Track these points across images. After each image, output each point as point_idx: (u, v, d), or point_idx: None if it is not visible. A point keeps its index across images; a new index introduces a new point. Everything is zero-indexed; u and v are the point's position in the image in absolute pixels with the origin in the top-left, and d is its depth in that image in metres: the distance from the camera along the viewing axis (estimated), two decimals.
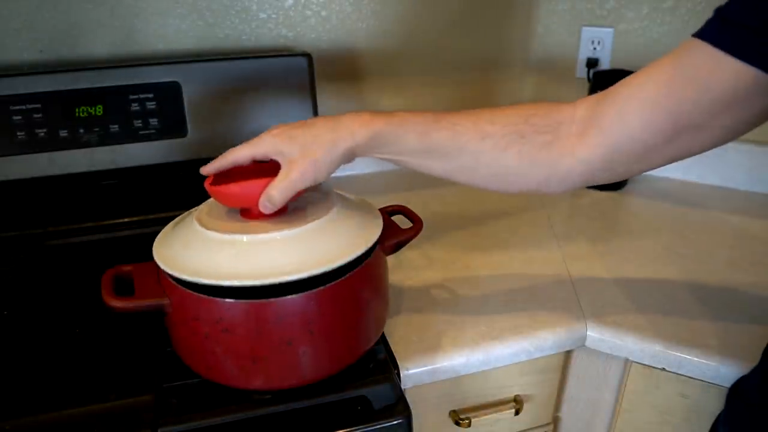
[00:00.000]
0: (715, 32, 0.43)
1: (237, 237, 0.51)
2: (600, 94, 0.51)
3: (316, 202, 0.57)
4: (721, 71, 0.42)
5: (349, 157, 0.53)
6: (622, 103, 0.49)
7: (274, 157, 0.52)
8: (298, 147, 0.52)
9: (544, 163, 0.52)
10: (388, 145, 0.53)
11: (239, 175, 0.54)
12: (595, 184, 0.54)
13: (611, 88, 0.50)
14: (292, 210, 0.56)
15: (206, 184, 0.54)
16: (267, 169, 0.53)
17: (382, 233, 0.59)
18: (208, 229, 0.52)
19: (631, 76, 0.49)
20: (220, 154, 0.54)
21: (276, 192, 0.51)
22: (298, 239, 0.51)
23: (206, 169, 0.55)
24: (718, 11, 0.43)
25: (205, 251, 0.51)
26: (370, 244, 0.53)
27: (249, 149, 0.53)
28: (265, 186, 0.52)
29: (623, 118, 0.48)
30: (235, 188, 0.53)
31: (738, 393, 0.55)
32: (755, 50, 0.41)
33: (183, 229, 0.55)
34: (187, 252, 0.52)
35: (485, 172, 0.54)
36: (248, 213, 0.55)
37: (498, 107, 0.54)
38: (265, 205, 0.52)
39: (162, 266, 0.52)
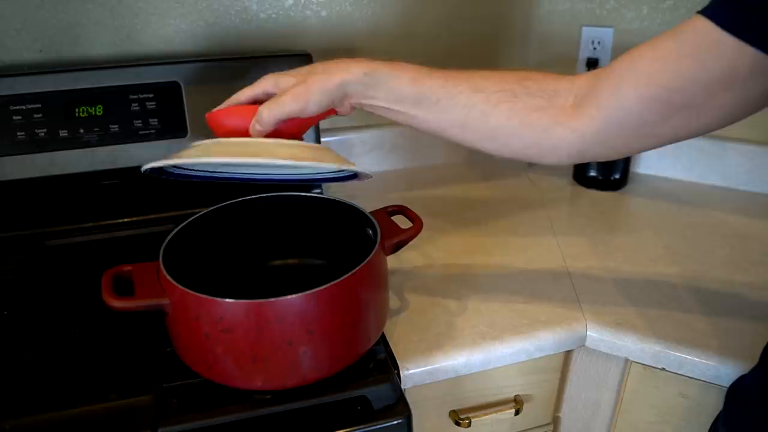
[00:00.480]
0: (718, 10, 0.42)
1: (231, 138, 0.52)
2: (599, 70, 0.51)
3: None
4: (721, 50, 0.42)
5: (341, 91, 0.54)
6: (618, 77, 0.48)
7: (272, 90, 0.54)
8: (294, 78, 0.54)
9: (535, 125, 0.52)
10: (380, 86, 0.54)
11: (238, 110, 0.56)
12: (588, 160, 0.54)
13: (610, 64, 0.50)
14: None
15: (206, 114, 0.55)
16: None
17: (381, 233, 0.59)
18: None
19: (631, 50, 0.48)
20: None
21: (265, 110, 0.52)
22: (290, 144, 0.52)
23: (212, 112, 0.57)
24: None
25: (200, 149, 0.51)
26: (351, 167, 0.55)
27: (248, 89, 0.55)
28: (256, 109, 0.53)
29: (619, 91, 0.48)
30: (228, 110, 0.54)
31: (737, 393, 0.55)
32: (757, 30, 0.40)
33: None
34: (185, 152, 0.52)
35: (475, 128, 0.54)
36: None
37: (496, 69, 0.55)
38: (255, 127, 0.53)
39: (155, 164, 0.52)
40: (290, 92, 0.53)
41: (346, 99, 0.55)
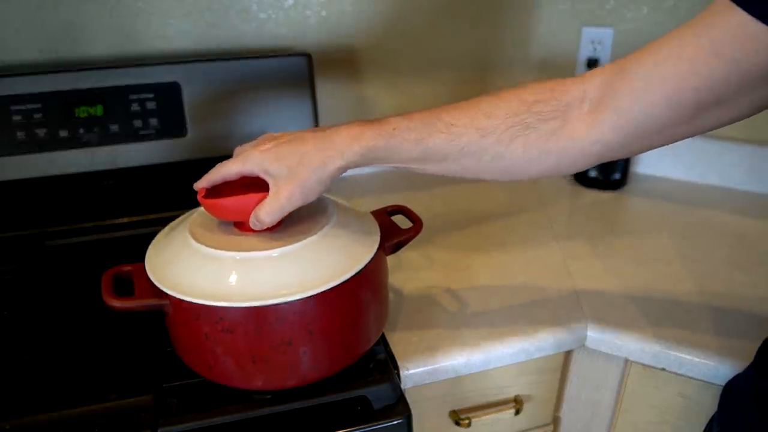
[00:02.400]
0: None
1: (227, 254, 0.50)
2: (613, 69, 0.47)
3: (311, 213, 0.57)
4: (756, 44, 0.38)
5: (338, 175, 0.51)
6: (641, 81, 0.44)
7: (261, 176, 0.51)
8: (285, 168, 0.50)
9: (553, 150, 0.49)
10: (381, 158, 0.51)
11: (232, 186, 0.54)
12: (610, 160, 0.51)
13: (627, 62, 0.46)
14: (287, 221, 0.55)
15: (199, 198, 0.53)
16: (260, 181, 0.53)
17: (381, 234, 0.59)
18: (199, 242, 0.52)
19: (649, 48, 0.44)
20: (220, 154, 0.54)
21: (264, 214, 0.50)
22: (290, 257, 0.51)
23: (198, 184, 0.54)
24: None
25: (195, 265, 0.51)
26: (363, 264, 0.53)
27: (237, 166, 0.52)
28: (256, 202, 0.51)
29: (644, 98, 0.44)
30: (226, 203, 0.52)
31: (731, 392, 0.55)
32: None
33: (176, 238, 0.55)
34: (178, 264, 0.52)
35: (489, 167, 0.51)
36: (241, 225, 0.54)
37: (497, 93, 0.50)
38: (255, 224, 0.52)
39: (150, 276, 0.52)
40: (284, 194, 0.50)
41: (345, 171, 0.52)
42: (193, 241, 0.52)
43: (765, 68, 0.39)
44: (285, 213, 0.51)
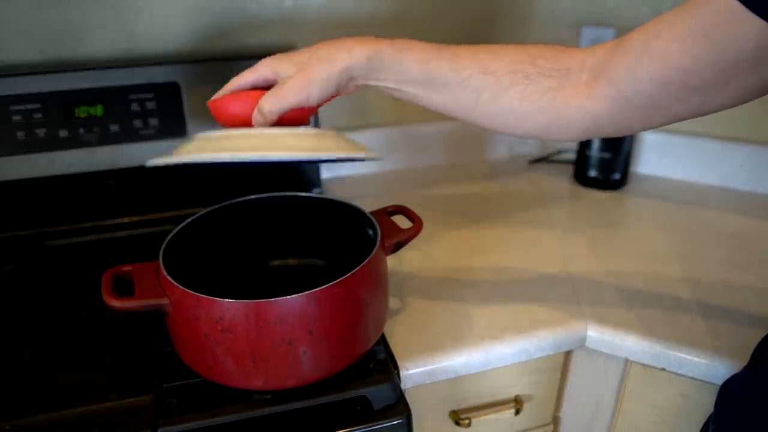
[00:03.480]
0: None
1: (232, 131, 0.50)
2: (615, 42, 0.48)
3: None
4: (743, 30, 0.38)
5: (345, 77, 0.52)
6: (633, 56, 0.46)
7: (272, 77, 0.52)
8: (295, 65, 0.51)
9: (546, 107, 0.50)
10: (386, 70, 0.52)
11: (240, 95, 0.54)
12: (600, 136, 0.52)
13: (626, 37, 0.47)
14: None
15: (208, 102, 0.54)
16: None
17: (382, 233, 0.59)
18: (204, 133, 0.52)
19: (648, 25, 0.46)
20: None
21: (267, 103, 0.50)
22: (292, 134, 0.50)
23: (213, 97, 0.55)
24: None
25: (203, 142, 0.50)
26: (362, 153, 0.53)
27: (251, 71, 0.53)
28: (259, 97, 0.51)
29: (634, 72, 0.45)
30: (230, 99, 0.53)
31: (727, 391, 0.55)
32: None
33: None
34: (188, 146, 0.51)
35: (484, 109, 0.52)
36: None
37: (505, 44, 0.52)
38: (257, 119, 0.51)
39: (164, 161, 0.50)
40: (291, 83, 0.50)
41: (351, 82, 0.53)
42: (198, 135, 0.52)
43: (751, 54, 0.39)
44: (288, 102, 0.51)
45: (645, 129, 0.51)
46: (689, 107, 0.45)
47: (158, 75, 0.83)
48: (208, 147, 0.49)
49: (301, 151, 0.49)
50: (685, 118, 0.47)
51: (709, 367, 0.62)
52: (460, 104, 0.53)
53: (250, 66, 0.55)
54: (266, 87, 0.54)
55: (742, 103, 0.44)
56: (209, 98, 0.56)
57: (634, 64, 0.45)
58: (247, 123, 0.53)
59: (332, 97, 0.54)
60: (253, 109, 0.52)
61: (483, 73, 0.51)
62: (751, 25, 0.38)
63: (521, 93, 0.50)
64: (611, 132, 0.51)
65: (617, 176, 1.02)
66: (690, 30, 0.41)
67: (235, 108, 0.54)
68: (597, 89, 0.48)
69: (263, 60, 0.53)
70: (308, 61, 0.51)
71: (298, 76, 0.51)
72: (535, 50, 0.51)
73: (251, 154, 0.47)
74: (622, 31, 1.03)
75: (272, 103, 0.51)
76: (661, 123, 0.49)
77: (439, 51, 0.52)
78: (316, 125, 0.93)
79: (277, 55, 0.53)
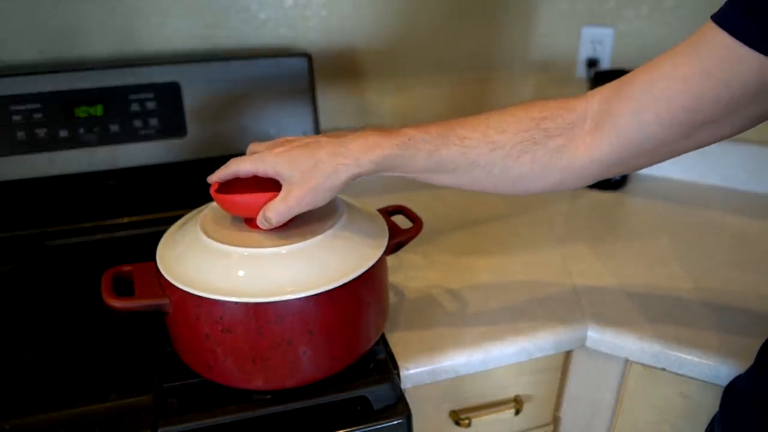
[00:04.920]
0: (737, 20, 0.38)
1: (235, 249, 0.51)
2: (613, 86, 0.49)
3: (321, 212, 0.57)
4: (744, 65, 0.39)
5: (351, 181, 0.52)
6: (637, 101, 0.46)
7: (274, 178, 0.52)
8: (299, 172, 0.50)
9: (557, 166, 0.51)
10: (395, 168, 0.52)
11: (245, 181, 0.54)
12: (609, 177, 0.53)
13: (625, 81, 0.48)
14: (297, 218, 0.55)
15: (212, 191, 0.54)
16: (272, 180, 0.53)
17: None
18: (209, 237, 0.52)
19: (646, 67, 0.46)
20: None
21: (272, 214, 0.51)
22: (298, 255, 0.51)
23: (211, 178, 0.55)
24: None
25: (205, 260, 0.51)
26: (371, 263, 0.53)
27: (251, 165, 0.52)
28: (267, 201, 0.52)
29: (639, 117, 0.46)
30: (237, 199, 0.53)
31: (732, 393, 0.55)
32: None
33: (187, 233, 0.55)
34: (188, 258, 0.52)
35: (496, 181, 0.53)
36: (252, 222, 0.55)
37: (507, 110, 0.52)
38: (263, 223, 0.52)
39: (161, 270, 0.52)
40: (295, 196, 0.50)
41: (357, 178, 0.53)
42: (203, 236, 0.53)
43: (752, 89, 0.40)
44: (293, 215, 0.51)
45: (652, 165, 0.52)
46: (696, 142, 0.46)
47: (158, 75, 0.83)
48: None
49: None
50: (693, 149, 0.48)
51: (710, 367, 0.62)
52: (470, 181, 0.53)
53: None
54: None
55: (746, 130, 0.45)
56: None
57: (639, 109, 0.46)
58: (252, 216, 0.54)
59: None
60: (258, 210, 0.52)
61: (491, 150, 0.51)
62: (751, 60, 0.38)
63: (531, 160, 0.51)
64: (620, 172, 0.53)
65: (617, 176, 1.02)
66: (692, 69, 0.42)
67: (242, 210, 0.54)
68: (602, 137, 0.49)
69: (266, 155, 0.51)
70: (312, 169, 0.50)
71: (302, 187, 0.50)
72: (536, 111, 0.51)
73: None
74: (622, 31, 1.04)
75: (278, 215, 0.51)
76: (668, 158, 0.50)
77: (445, 137, 0.51)
78: (316, 126, 0.93)
79: (279, 151, 0.51)
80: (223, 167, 0.54)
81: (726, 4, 0.40)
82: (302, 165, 0.50)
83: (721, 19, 0.40)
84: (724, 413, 0.54)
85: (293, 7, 0.95)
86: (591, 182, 0.53)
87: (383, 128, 0.52)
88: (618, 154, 0.49)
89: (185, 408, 0.53)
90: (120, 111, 0.83)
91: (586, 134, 0.50)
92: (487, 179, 0.53)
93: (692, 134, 0.45)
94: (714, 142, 0.46)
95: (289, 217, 0.52)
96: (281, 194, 0.51)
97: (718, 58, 0.40)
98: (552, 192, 0.55)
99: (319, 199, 0.51)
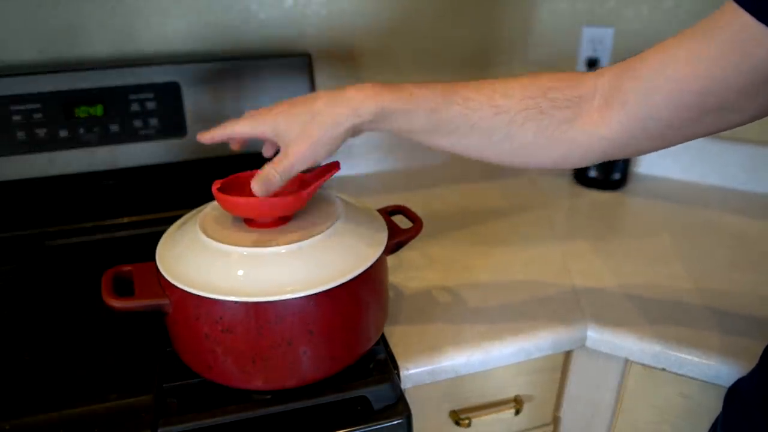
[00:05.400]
0: (762, 0, 0.36)
1: (237, 249, 0.51)
2: (625, 64, 0.47)
3: (321, 211, 0.57)
4: (757, 47, 0.37)
5: (351, 134, 0.51)
6: (647, 80, 0.45)
7: (272, 138, 0.51)
8: (298, 127, 0.49)
9: (563, 139, 0.49)
10: (393, 121, 0.50)
11: (246, 182, 0.54)
12: (614, 159, 0.52)
13: (637, 59, 0.46)
14: (296, 218, 0.55)
15: (214, 190, 0.54)
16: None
17: None
18: (209, 237, 0.52)
19: (658, 46, 0.44)
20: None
21: (276, 175, 0.50)
22: (298, 254, 0.51)
23: (204, 137, 0.54)
24: None
25: (205, 260, 0.51)
26: (370, 263, 0.53)
27: (249, 125, 0.51)
28: (267, 201, 0.52)
29: (648, 97, 0.45)
30: (240, 200, 0.53)
31: (736, 394, 0.54)
32: None
33: (187, 233, 0.55)
34: (187, 258, 0.52)
35: (498, 149, 0.51)
36: (252, 222, 0.55)
37: (514, 77, 0.50)
38: (266, 184, 0.50)
39: (161, 270, 0.52)
40: (295, 152, 0.49)
41: (356, 132, 0.52)
42: (202, 235, 0.53)
43: (766, 72, 0.39)
44: (295, 172, 0.51)
45: (660, 149, 0.50)
46: (705, 127, 0.45)
47: (158, 75, 0.83)
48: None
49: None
50: (700, 137, 0.47)
51: (710, 367, 0.62)
52: (469, 146, 0.52)
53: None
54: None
55: (757, 119, 0.44)
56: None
57: (649, 90, 0.45)
58: (254, 217, 0.54)
59: None
60: (261, 210, 0.52)
61: (495, 114, 0.49)
62: (766, 40, 0.37)
63: (535, 129, 0.49)
64: (627, 154, 0.51)
65: (617, 176, 1.02)
66: (706, 51, 0.41)
67: (243, 210, 0.54)
68: (611, 115, 0.47)
69: (265, 115, 0.51)
70: (311, 122, 0.49)
71: (302, 143, 0.49)
72: (545, 81, 0.49)
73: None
74: (622, 31, 1.04)
75: (281, 174, 0.50)
76: (676, 143, 0.48)
77: (447, 97, 0.49)
78: None
79: (278, 111, 0.51)
80: (218, 127, 0.53)
81: None
82: (300, 119, 0.49)
83: (743, 0, 0.38)
84: (727, 416, 0.54)
85: (293, 7, 0.95)
86: (596, 161, 0.51)
87: (382, 82, 0.50)
88: (626, 133, 0.47)
89: (185, 408, 0.53)
90: (120, 111, 0.83)
91: (595, 110, 0.48)
92: (487, 145, 0.51)
93: (701, 119, 0.44)
94: (724, 129, 0.45)
95: (291, 174, 0.51)
96: (281, 153, 0.50)
97: (732, 40, 0.39)
98: (555, 168, 0.52)
99: (319, 153, 0.50)
